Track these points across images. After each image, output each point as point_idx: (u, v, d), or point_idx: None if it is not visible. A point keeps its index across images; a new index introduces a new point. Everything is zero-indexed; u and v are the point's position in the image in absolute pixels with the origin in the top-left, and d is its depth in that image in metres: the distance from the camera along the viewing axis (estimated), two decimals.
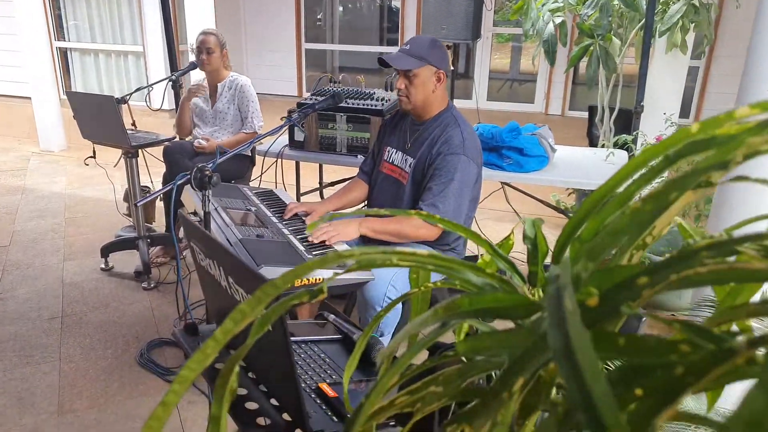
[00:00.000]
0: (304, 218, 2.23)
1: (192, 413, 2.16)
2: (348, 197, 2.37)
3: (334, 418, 0.90)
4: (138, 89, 3.37)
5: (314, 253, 1.94)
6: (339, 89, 2.42)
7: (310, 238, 1.99)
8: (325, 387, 0.95)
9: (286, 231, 2.11)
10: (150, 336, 2.64)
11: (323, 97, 2.30)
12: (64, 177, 5.05)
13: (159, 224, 3.84)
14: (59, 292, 3.03)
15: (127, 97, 3.14)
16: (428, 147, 2.12)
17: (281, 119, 2.29)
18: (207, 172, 1.60)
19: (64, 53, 7.78)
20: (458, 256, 2.31)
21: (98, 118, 2.97)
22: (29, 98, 6.04)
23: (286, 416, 0.88)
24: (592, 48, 3.21)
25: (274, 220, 2.21)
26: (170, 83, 3.82)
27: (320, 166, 3.54)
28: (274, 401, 0.92)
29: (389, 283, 1.99)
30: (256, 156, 3.65)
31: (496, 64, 8.61)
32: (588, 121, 4.80)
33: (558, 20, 3.31)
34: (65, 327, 2.71)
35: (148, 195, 1.74)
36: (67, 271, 3.28)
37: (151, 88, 3.36)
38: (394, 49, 9.00)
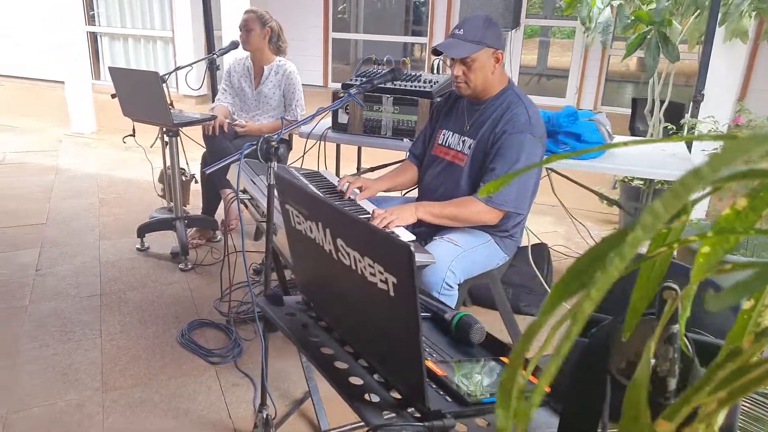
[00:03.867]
0: (352, 198, 2.16)
1: (236, 396, 2.10)
2: (399, 179, 2.30)
3: (447, 397, 0.82)
4: (177, 68, 3.32)
5: None
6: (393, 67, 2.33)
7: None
8: (431, 365, 0.87)
9: None
10: (189, 317, 2.59)
11: (383, 72, 2.22)
12: (96, 159, 5.04)
13: (193, 206, 3.80)
14: (97, 270, 3.00)
15: (166, 77, 3.08)
16: (491, 126, 2.03)
17: (340, 94, 2.21)
18: (273, 143, 1.53)
19: (94, 38, 7.80)
20: (515, 243, 2.22)
21: (140, 95, 2.92)
22: (59, 81, 6.04)
23: (393, 394, 0.81)
24: (650, 36, 3.08)
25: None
26: (208, 64, 3.78)
27: (359, 151, 3.46)
28: (377, 377, 0.84)
29: (448, 268, 1.91)
30: (294, 139, 3.60)
31: (521, 60, 8.47)
32: (631, 113, 4.66)
33: (616, 3, 3.19)
34: (104, 305, 2.67)
35: (217, 162, 1.67)
36: (103, 250, 3.24)
37: (190, 68, 3.31)
38: (420, 40, 8.94)
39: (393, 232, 1.91)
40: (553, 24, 9.25)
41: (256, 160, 2.27)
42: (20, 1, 7.69)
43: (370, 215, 1.99)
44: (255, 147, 1.54)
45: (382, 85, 2.73)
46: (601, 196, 3.51)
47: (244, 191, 2.18)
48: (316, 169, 2.74)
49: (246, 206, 2.23)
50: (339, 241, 0.80)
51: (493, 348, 1.01)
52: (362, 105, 2.46)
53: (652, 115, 3.90)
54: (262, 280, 2.93)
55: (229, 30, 5.18)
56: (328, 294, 0.95)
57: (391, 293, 0.71)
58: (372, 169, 3.34)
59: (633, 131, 4.62)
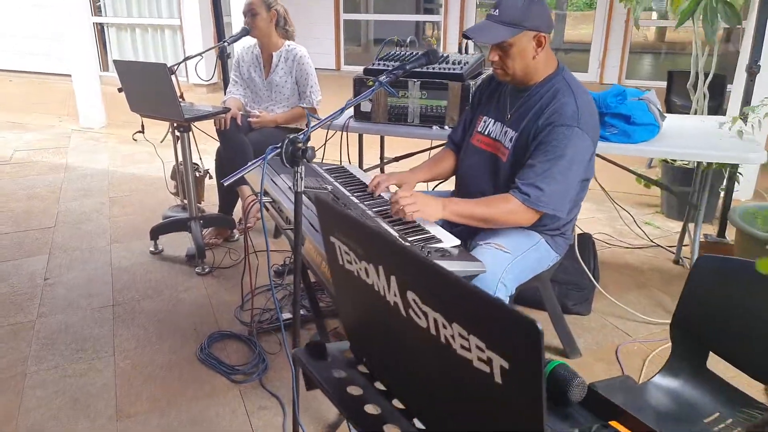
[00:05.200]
0: (386, 197, 1.93)
1: (263, 421, 1.90)
2: (438, 168, 2.06)
3: None
4: (187, 58, 3.09)
5: (409, 239, 1.64)
6: (427, 49, 2.07)
7: (390, 211, 1.70)
8: None
9: (371, 213, 1.82)
10: (209, 326, 2.40)
11: (416, 54, 1.97)
12: (106, 154, 4.86)
13: (208, 203, 3.61)
14: (108, 277, 2.82)
15: (175, 67, 2.86)
16: (534, 117, 1.78)
17: (369, 82, 1.97)
18: (300, 145, 1.31)
19: (100, 29, 7.59)
20: (566, 241, 1.99)
21: (148, 88, 2.70)
22: (67, 75, 5.86)
23: None
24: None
25: (355, 199, 1.92)
26: (218, 53, 3.57)
27: (382, 140, 3.22)
28: None
29: (499, 280, 1.68)
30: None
31: None
32: (666, 88, 4.35)
33: None
34: (117, 317, 2.48)
35: (236, 172, 1.46)
36: (115, 254, 3.06)
37: (200, 57, 3.07)
38: (434, 18, 8.61)
39: (421, 227, 1.68)
40: None
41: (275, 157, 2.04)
42: None
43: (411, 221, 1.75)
44: (279, 150, 1.31)
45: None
46: (646, 180, 3.24)
47: (265, 193, 1.96)
48: (340, 163, 2.52)
49: (267, 209, 2.02)
50: (411, 295, 0.58)
51: (598, 408, 0.79)
52: (395, 94, 2.21)
53: (695, 90, 3.59)
54: (284, 284, 2.74)
55: (239, 16, 4.93)
56: (390, 354, 0.74)
57: (498, 379, 0.49)
58: (397, 159, 3.11)
59: (669, 107, 4.31)
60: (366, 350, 0.82)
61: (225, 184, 1.45)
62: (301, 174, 1.34)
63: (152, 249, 3.06)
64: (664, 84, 4.44)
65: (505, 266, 1.73)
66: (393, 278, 0.61)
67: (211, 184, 3.46)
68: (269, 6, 3.04)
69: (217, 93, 6.47)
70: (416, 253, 0.60)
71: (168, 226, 3.07)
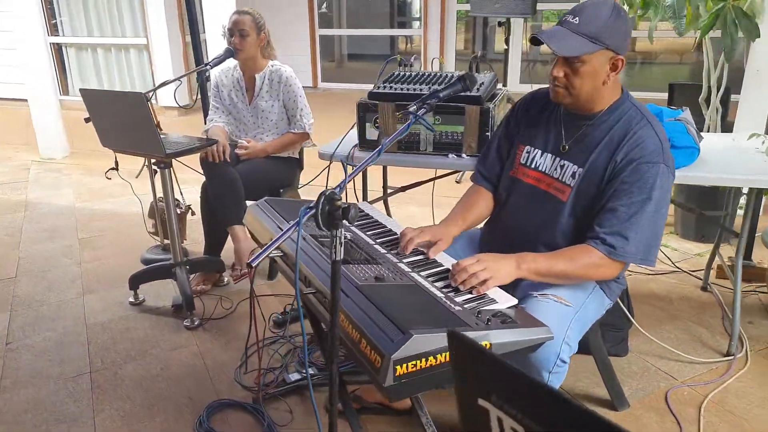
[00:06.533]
0: (424, 251, 1.63)
1: None
2: (473, 214, 1.78)
3: None
4: (163, 83, 2.77)
5: (458, 300, 1.37)
6: (463, 72, 1.82)
7: (453, 282, 1.42)
8: None
9: (404, 266, 1.54)
10: (206, 394, 2.08)
11: (451, 79, 1.70)
12: (71, 188, 4.45)
13: (191, 241, 3.28)
14: (83, 337, 2.46)
15: (150, 94, 2.54)
16: (606, 150, 1.54)
17: (398, 115, 1.70)
18: (338, 203, 1.02)
19: (58, 49, 7.14)
20: (620, 286, 1.76)
21: (123, 121, 2.37)
22: (23, 100, 5.42)
23: None
24: (723, 12, 2.61)
25: (380, 248, 1.64)
26: (197, 77, 3.27)
27: (384, 170, 2.94)
28: None
29: (563, 340, 1.44)
30: (305, 153, 3.09)
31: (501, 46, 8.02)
32: (668, 102, 4.21)
33: None
34: (96, 387, 2.14)
35: (261, 251, 1.15)
36: (89, 307, 2.70)
37: (179, 82, 2.76)
38: (413, 32, 8.37)
39: (486, 295, 1.42)
40: (567, 6, 8.79)
41: (276, 195, 1.76)
42: None
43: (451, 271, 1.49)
44: (314, 211, 1.03)
45: (411, 91, 2.25)
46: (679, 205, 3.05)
47: (283, 254, 1.65)
48: (345, 199, 2.24)
49: (276, 262, 1.72)
50: None
51: None
52: (432, 129, 1.94)
53: (706, 104, 3.44)
54: (286, 334, 2.43)
55: (214, 34, 4.61)
56: None
57: None
58: (403, 189, 2.84)
59: None
60: None
61: (254, 266, 1.14)
62: (340, 239, 1.05)
63: (132, 300, 2.71)
64: (645, 94, 4.31)
65: (568, 323, 1.49)
66: None
67: (194, 220, 3.14)
68: (260, 28, 2.76)
69: (190, 116, 6.09)
70: None
71: (150, 274, 2.72)
